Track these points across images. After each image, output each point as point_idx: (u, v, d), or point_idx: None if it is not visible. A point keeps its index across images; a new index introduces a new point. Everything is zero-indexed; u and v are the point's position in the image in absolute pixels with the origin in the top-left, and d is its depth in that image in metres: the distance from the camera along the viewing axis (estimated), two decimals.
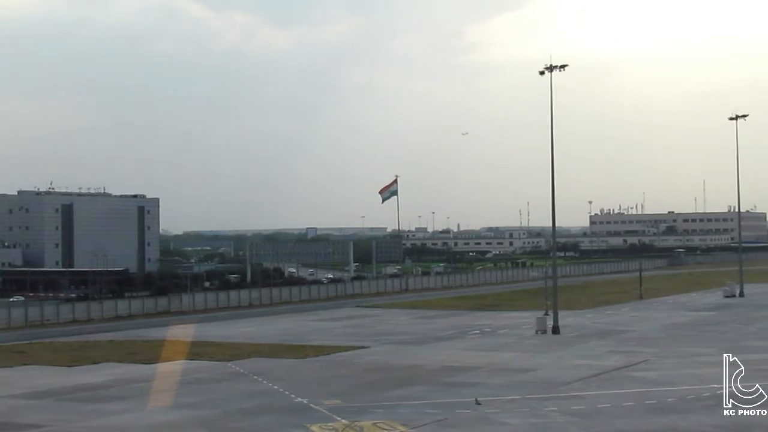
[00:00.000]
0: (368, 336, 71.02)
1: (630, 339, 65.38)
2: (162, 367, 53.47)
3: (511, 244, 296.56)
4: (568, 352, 57.64)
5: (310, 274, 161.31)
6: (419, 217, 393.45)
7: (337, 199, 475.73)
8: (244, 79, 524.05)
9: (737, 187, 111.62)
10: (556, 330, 69.45)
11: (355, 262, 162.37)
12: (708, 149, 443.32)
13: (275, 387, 44.86)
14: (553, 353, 57.28)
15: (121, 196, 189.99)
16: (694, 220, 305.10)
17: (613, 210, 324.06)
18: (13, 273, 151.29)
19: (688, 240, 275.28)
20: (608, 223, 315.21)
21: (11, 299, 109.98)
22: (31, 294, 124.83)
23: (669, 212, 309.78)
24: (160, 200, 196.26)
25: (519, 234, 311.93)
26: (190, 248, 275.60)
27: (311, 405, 39.23)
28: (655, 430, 33.46)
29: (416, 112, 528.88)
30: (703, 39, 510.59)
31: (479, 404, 38.03)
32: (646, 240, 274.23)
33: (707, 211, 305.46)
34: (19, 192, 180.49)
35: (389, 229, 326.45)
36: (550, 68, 70.95)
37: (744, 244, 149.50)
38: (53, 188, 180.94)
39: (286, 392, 43.05)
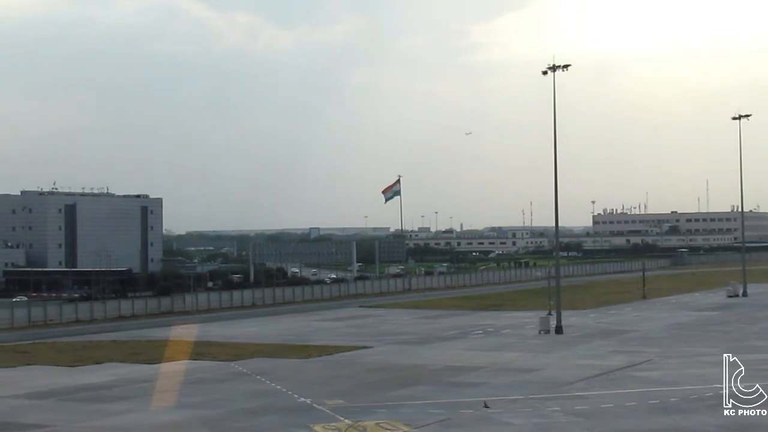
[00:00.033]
0: (371, 336, 71.01)
1: (633, 339, 65.34)
2: (165, 367, 53.48)
3: (514, 244, 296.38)
4: (572, 352, 57.62)
5: (313, 274, 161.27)
6: (422, 217, 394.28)
7: (340, 199, 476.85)
8: (246, 78, 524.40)
9: (740, 187, 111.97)
10: (559, 330, 69.44)
11: (358, 262, 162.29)
12: (711, 149, 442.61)
13: (278, 387, 44.86)
14: (556, 353, 57.25)
15: (124, 196, 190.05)
16: (697, 220, 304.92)
17: (616, 210, 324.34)
18: (16, 273, 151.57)
19: (691, 240, 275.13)
20: (611, 222, 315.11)
21: (14, 299, 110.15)
22: (35, 294, 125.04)
23: (672, 212, 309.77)
24: (163, 200, 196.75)
25: (522, 234, 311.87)
26: (193, 248, 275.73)
27: (314, 405, 39.22)
28: (658, 430, 33.43)
29: (419, 111, 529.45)
30: (704, 39, 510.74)
31: (488, 407, 37.60)
32: (649, 240, 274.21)
33: (710, 210, 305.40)
34: (22, 192, 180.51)
35: (392, 229, 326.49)
36: (553, 68, 70.92)
37: (747, 244, 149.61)
38: (56, 188, 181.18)
39: (289, 392, 43.05)
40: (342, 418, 35.89)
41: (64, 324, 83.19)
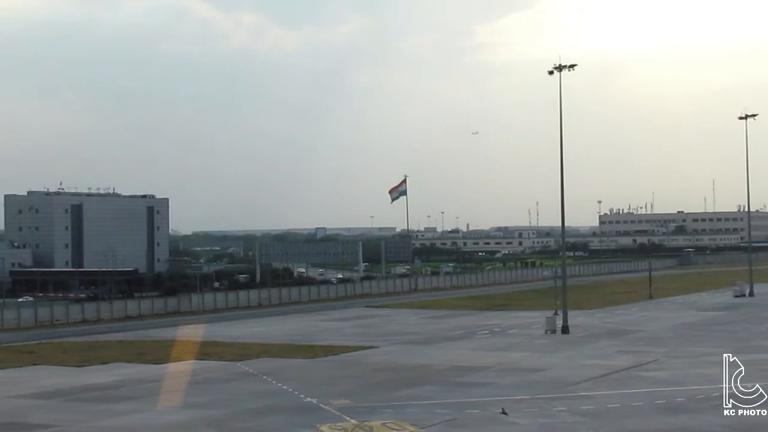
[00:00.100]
0: (377, 336, 71.02)
1: (639, 339, 65.25)
2: (171, 367, 53.57)
3: (520, 243, 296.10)
4: (578, 352, 57.55)
5: (319, 274, 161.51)
6: (428, 217, 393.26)
7: (346, 199, 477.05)
8: (252, 79, 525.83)
9: (747, 187, 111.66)
10: (565, 330, 69.36)
11: (364, 262, 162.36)
12: (717, 149, 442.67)
13: (284, 387, 44.88)
14: (563, 353, 57.19)
15: (131, 197, 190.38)
16: (703, 220, 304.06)
17: (623, 210, 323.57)
18: (23, 273, 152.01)
19: (697, 240, 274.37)
20: (617, 222, 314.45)
21: (21, 299, 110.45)
22: (41, 294, 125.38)
23: (678, 212, 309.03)
24: (170, 200, 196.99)
25: (528, 234, 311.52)
26: (199, 248, 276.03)
27: (320, 405, 39.24)
28: (664, 430, 33.38)
29: (424, 111, 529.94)
30: (709, 39, 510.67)
31: (506, 414, 36.26)
32: (656, 240, 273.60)
33: (717, 210, 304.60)
34: (28, 192, 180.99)
35: (398, 229, 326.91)
36: (560, 68, 70.83)
37: (754, 244, 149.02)
38: (63, 188, 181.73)
39: (296, 392, 43.07)
40: (348, 418, 35.89)
41: (70, 324, 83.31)
